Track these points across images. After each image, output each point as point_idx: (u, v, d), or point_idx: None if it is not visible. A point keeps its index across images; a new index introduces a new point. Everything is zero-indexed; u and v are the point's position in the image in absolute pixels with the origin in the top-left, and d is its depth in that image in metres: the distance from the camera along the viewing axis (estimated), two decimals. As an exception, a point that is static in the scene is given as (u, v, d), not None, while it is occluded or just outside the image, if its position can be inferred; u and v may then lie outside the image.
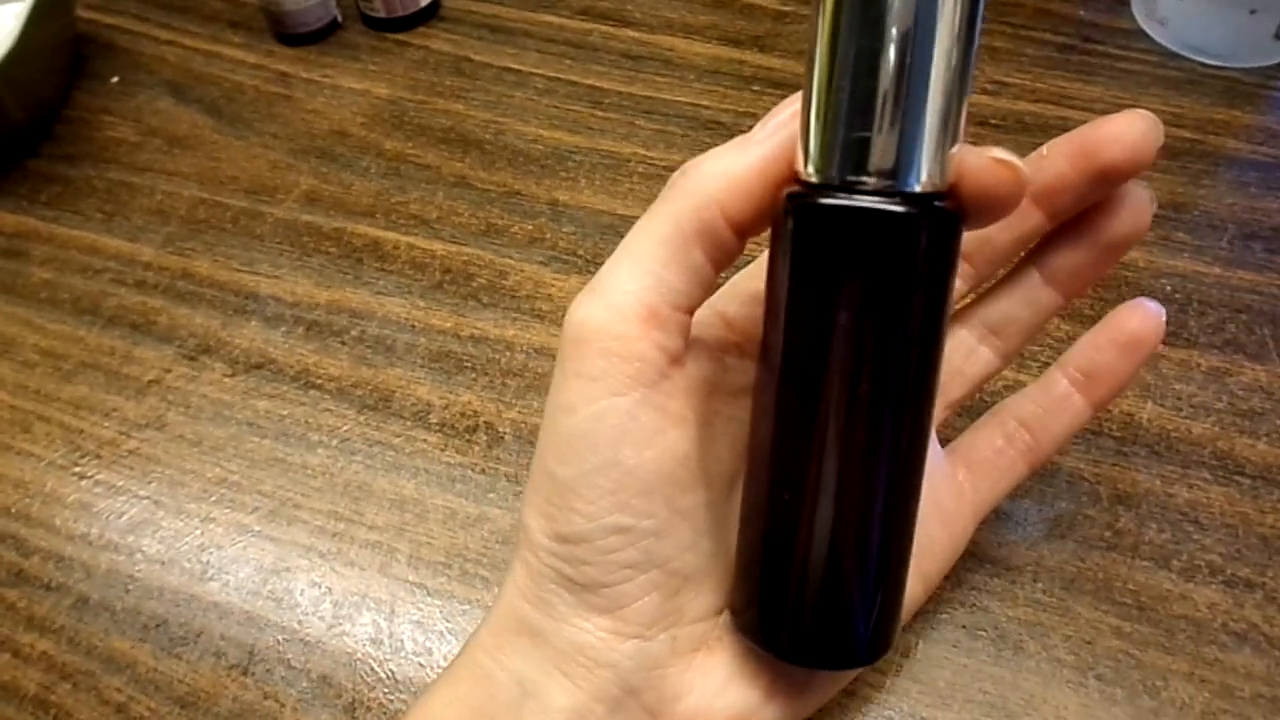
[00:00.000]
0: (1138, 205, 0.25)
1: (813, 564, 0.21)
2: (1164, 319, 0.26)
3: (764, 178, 0.21)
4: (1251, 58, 0.48)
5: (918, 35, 0.18)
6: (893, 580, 0.22)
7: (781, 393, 0.21)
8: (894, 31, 0.18)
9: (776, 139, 0.21)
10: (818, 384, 0.21)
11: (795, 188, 0.20)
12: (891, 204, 0.19)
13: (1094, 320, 0.39)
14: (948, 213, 0.20)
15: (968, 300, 0.28)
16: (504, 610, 0.24)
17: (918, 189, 0.19)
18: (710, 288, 0.23)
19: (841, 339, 0.20)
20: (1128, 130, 0.23)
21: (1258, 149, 0.45)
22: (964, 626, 0.32)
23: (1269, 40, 0.47)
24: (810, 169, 0.20)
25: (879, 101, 0.19)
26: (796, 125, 0.20)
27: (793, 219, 0.20)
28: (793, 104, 0.21)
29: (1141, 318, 0.26)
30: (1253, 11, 0.46)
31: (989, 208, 0.20)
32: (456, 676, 0.24)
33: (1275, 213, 0.42)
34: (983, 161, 0.20)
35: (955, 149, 0.20)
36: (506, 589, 0.24)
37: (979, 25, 0.19)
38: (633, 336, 0.21)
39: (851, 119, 0.19)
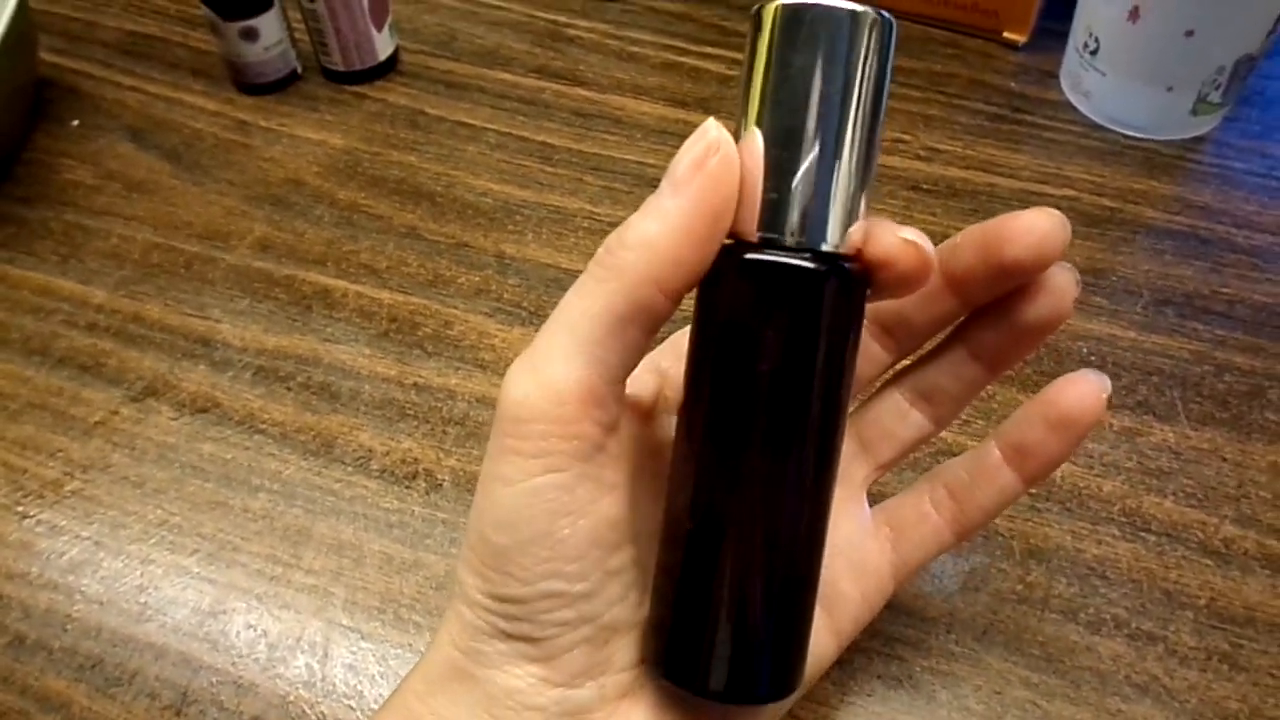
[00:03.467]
0: (1059, 290, 0.24)
1: (716, 601, 0.23)
2: (1105, 395, 0.25)
3: (690, 239, 0.21)
4: (1170, 131, 0.50)
5: (828, 117, 0.21)
6: (796, 620, 0.23)
7: (691, 436, 0.23)
8: (809, 114, 0.21)
9: (690, 194, 0.21)
10: (726, 426, 0.22)
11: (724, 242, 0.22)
12: (802, 259, 0.21)
13: (1014, 380, 0.41)
14: (852, 271, 0.22)
15: (903, 365, 0.28)
16: (437, 658, 0.25)
17: (825, 249, 0.21)
18: (643, 354, 0.23)
19: (750, 383, 0.22)
20: (1031, 228, 0.23)
21: (1174, 218, 0.47)
22: (879, 676, 0.33)
23: (1186, 115, 0.49)
24: (737, 227, 0.22)
25: (795, 172, 0.21)
26: (704, 171, 0.21)
27: (714, 272, 0.22)
28: (694, 149, 0.21)
29: (1078, 394, 0.25)
30: (1170, 89, 0.48)
31: (897, 282, 0.22)
32: None
33: (1188, 280, 0.45)
34: (893, 239, 0.22)
35: (860, 218, 0.22)
36: (440, 637, 0.25)
37: (883, 111, 0.22)
38: (573, 419, 0.22)
39: (771, 186, 0.21)
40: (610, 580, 0.24)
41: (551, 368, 0.22)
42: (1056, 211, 0.23)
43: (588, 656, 0.24)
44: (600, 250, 0.22)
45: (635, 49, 0.57)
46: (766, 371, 0.21)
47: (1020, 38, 0.56)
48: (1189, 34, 0.46)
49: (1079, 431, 0.25)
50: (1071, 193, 0.48)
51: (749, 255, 0.21)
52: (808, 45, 0.21)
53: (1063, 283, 0.24)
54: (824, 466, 0.23)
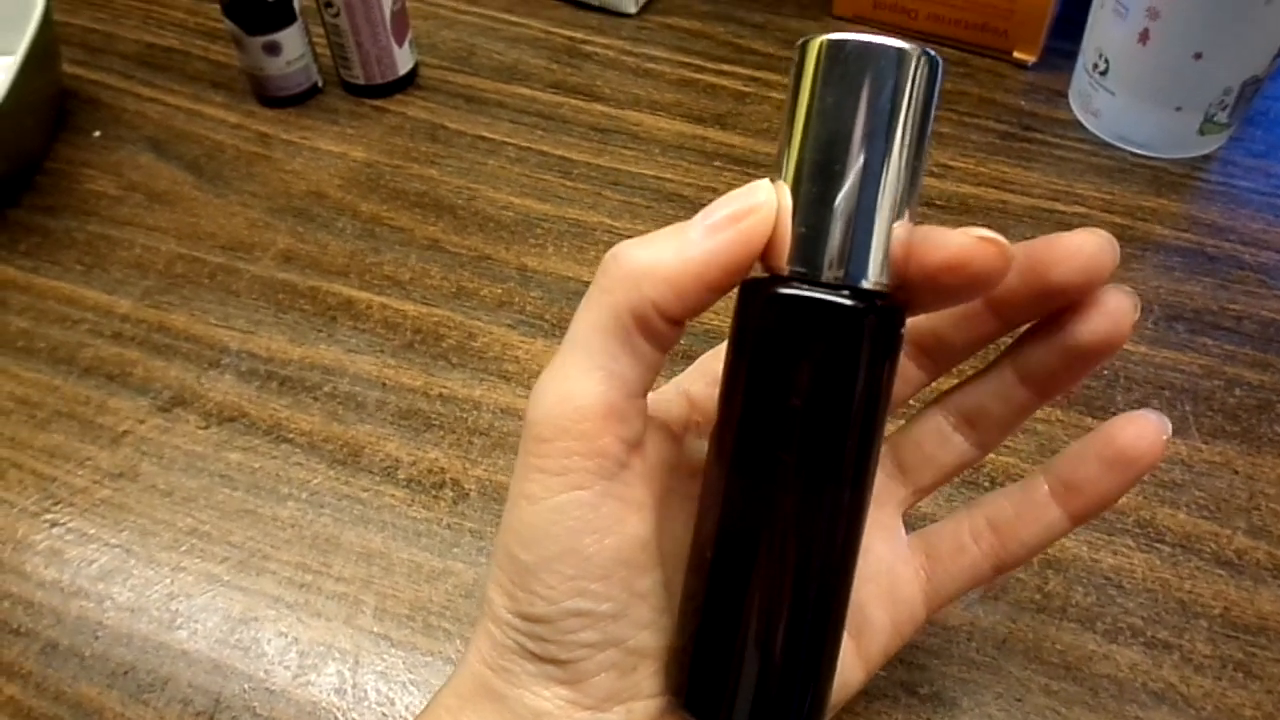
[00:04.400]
0: (1116, 313, 0.23)
1: (740, 633, 0.22)
2: (1166, 434, 0.23)
3: (699, 281, 0.21)
4: (1178, 150, 0.51)
5: (871, 154, 0.21)
6: (821, 655, 0.23)
7: (722, 467, 0.23)
8: (852, 150, 0.21)
9: (718, 241, 0.21)
10: (755, 459, 0.22)
11: (755, 274, 0.22)
12: (840, 296, 0.21)
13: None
14: (889, 308, 0.22)
15: (948, 386, 0.27)
16: (467, 674, 0.25)
17: (865, 285, 0.21)
18: (659, 368, 0.23)
19: (780, 418, 0.22)
20: (1079, 250, 0.22)
21: (1182, 235, 0.48)
22: (902, 684, 0.34)
23: (1193, 135, 0.50)
24: (777, 260, 0.22)
25: (836, 207, 0.21)
26: (739, 228, 0.21)
27: (750, 305, 0.22)
28: (737, 203, 0.21)
29: (1136, 432, 0.24)
30: (1178, 109, 0.49)
31: (972, 284, 0.21)
32: None
33: (1197, 295, 0.45)
34: (965, 239, 0.21)
35: (896, 250, 0.21)
36: (470, 654, 0.25)
37: (926, 150, 0.22)
38: (594, 434, 0.22)
39: (810, 220, 0.21)
40: (638, 602, 0.24)
41: (568, 384, 0.22)
42: (1104, 232, 0.22)
43: (615, 681, 0.24)
44: (607, 257, 0.22)
45: (652, 65, 0.57)
46: (798, 407, 0.21)
47: (1030, 57, 0.56)
48: (1198, 56, 0.47)
49: (1137, 471, 0.24)
50: (1082, 210, 0.49)
51: (782, 289, 0.21)
52: (851, 81, 0.20)
53: (1120, 305, 0.23)
54: (855, 504, 0.23)
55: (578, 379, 0.22)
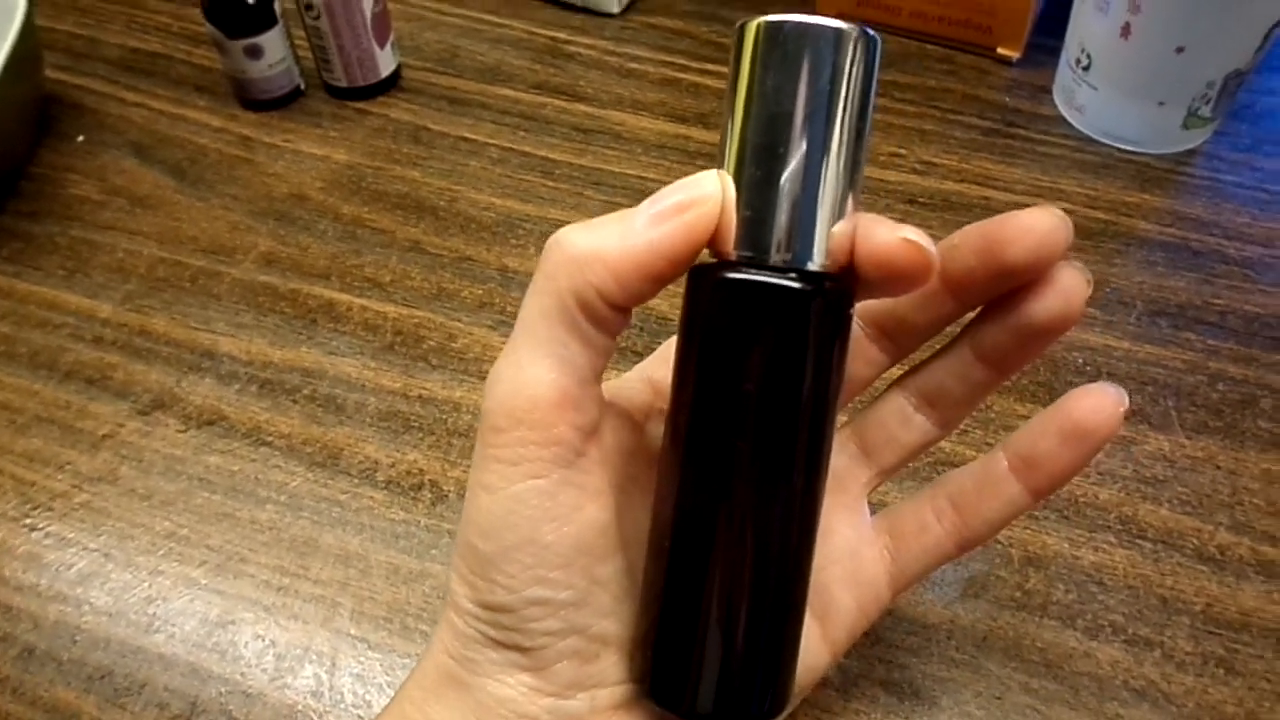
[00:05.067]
0: (1068, 290, 0.23)
1: (701, 621, 0.23)
2: (1123, 407, 0.24)
3: (641, 270, 0.21)
4: (1161, 145, 0.51)
5: (812, 135, 0.21)
6: (783, 638, 0.23)
7: (677, 455, 0.23)
8: (793, 131, 0.21)
9: (661, 231, 0.21)
10: (709, 445, 0.22)
11: (703, 259, 0.22)
12: (787, 279, 0.21)
13: (1011, 390, 0.41)
14: (837, 289, 0.22)
15: (908, 367, 0.27)
16: (431, 665, 0.25)
17: (812, 268, 0.21)
18: (610, 353, 0.23)
19: (733, 403, 0.22)
20: (1031, 228, 0.22)
21: (1165, 230, 0.48)
22: (881, 682, 0.34)
23: (1177, 130, 0.50)
24: (723, 244, 0.22)
25: (780, 190, 0.21)
26: (683, 218, 0.21)
27: (698, 290, 0.22)
28: (684, 192, 0.21)
29: (1093, 405, 0.24)
30: (1161, 103, 0.49)
31: (896, 281, 0.22)
32: None
33: (1181, 291, 0.45)
34: (891, 238, 0.21)
35: (842, 231, 0.21)
36: (433, 645, 0.25)
37: (868, 129, 0.22)
38: (549, 423, 0.22)
39: (755, 204, 0.21)
40: (599, 590, 0.24)
41: (520, 373, 0.22)
42: (1057, 209, 0.22)
43: (578, 668, 0.24)
44: (550, 243, 0.22)
45: (635, 65, 0.57)
46: (750, 392, 0.21)
47: (1014, 53, 0.56)
48: (1180, 50, 0.46)
49: (1093, 444, 0.24)
50: (1065, 205, 0.49)
51: (730, 274, 0.21)
52: (789, 62, 0.20)
53: (1072, 282, 0.23)
54: (810, 487, 0.23)
55: (529, 367, 0.22)
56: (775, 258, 0.21)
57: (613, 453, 0.24)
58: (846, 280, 0.22)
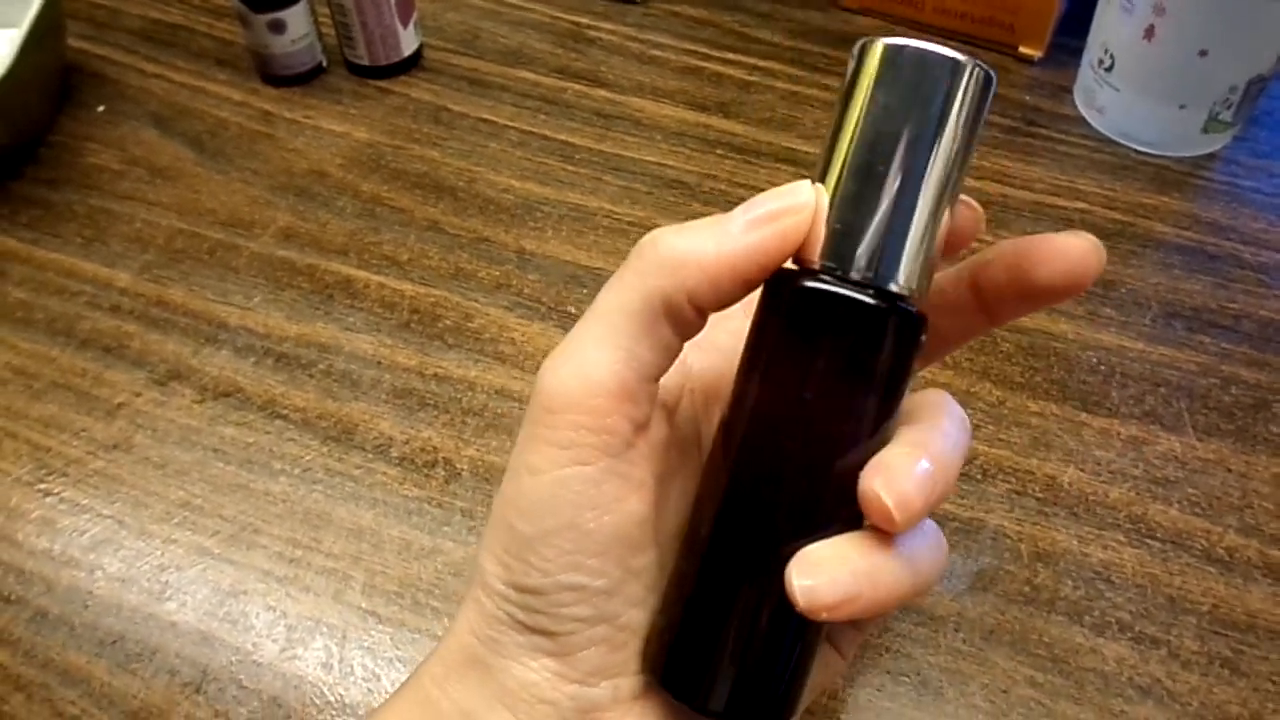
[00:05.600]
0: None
1: (727, 621, 0.23)
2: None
3: (735, 273, 0.21)
4: (1181, 148, 0.51)
5: (915, 160, 0.21)
6: (803, 650, 0.23)
7: (728, 448, 0.23)
8: (897, 153, 0.21)
9: (757, 236, 0.21)
10: (763, 446, 0.22)
11: (784, 267, 0.22)
12: (866, 295, 0.21)
13: (1024, 387, 0.42)
14: (914, 313, 0.22)
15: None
16: (454, 644, 0.25)
17: (893, 289, 0.21)
18: (675, 357, 0.24)
19: (792, 408, 0.22)
20: (1064, 253, 0.22)
21: (1183, 233, 0.48)
22: (888, 672, 0.34)
23: (1197, 133, 0.50)
24: (808, 254, 0.22)
25: (873, 209, 0.21)
26: (778, 225, 0.21)
27: (775, 296, 0.22)
28: (780, 200, 0.22)
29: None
30: (1182, 106, 0.49)
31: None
32: (403, 703, 0.25)
33: (1196, 293, 0.45)
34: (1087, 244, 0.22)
35: (932, 264, 0.22)
36: (458, 623, 0.25)
37: (969, 161, 0.22)
38: (605, 410, 0.22)
39: (846, 219, 0.21)
40: (631, 580, 0.24)
41: (585, 358, 0.22)
42: (1091, 236, 0.22)
43: (604, 656, 0.24)
44: (645, 240, 0.22)
45: (657, 52, 0.57)
46: (811, 400, 0.22)
47: (1035, 52, 0.56)
48: (1203, 54, 0.46)
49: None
50: (1083, 206, 0.49)
51: (809, 283, 0.21)
52: (905, 86, 0.21)
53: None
54: (855, 510, 0.22)
55: (595, 354, 0.22)
56: (857, 274, 0.21)
57: (657, 446, 0.24)
58: (922, 307, 0.22)
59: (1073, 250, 0.22)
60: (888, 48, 0.21)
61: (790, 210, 0.22)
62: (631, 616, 0.24)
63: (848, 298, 0.21)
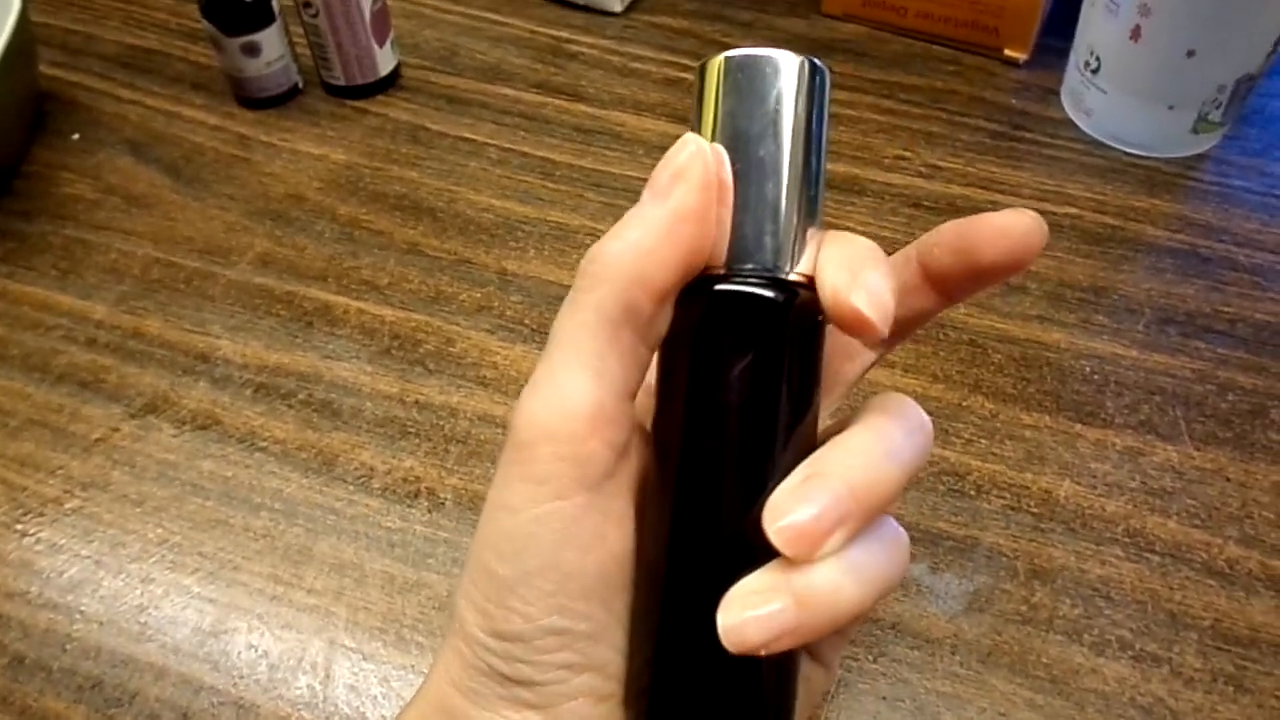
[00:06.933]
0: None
1: (696, 651, 0.22)
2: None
3: (673, 240, 0.21)
4: (1171, 149, 0.51)
5: (768, 158, 0.22)
6: (784, 674, 0.23)
7: (668, 475, 0.22)
8: (752, 156, 0.22)
9: (675, 200, 0.21)
10: (699, 461, 0.22)
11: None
12: (758, 288, 0.22)
13: (1017, 399, 0.41)
14: (807, 298, 0.22)
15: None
16: (432, 694, 0.24)
17: (783, 276, 0.22)
18: (645, 367, 0.23)
19: (722, 408, 0.22)
20: (1006, 232, 0.23)
21: (1175, 236, 0.47)
22: (884, 697, 0.33)
23: (1187, 134, 0.50)
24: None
25: (747, 205, 0.22)
26: (686, 180, 0.22)
27: (681, 308, 0.22)
28: (673, 161, 0.22)
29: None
30: (1171, 107, 0.48)
31: (847, 329, 0.22)
32: None
33: (1190, 298, 0.45)
34: (846, 304, 0.21)
35: (810, 246, 0.22)
36: (436, 673, 0.24)
37: (824, 147, 0.23)
38: (582, 437, 0.22)
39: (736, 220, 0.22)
40: (615, 624, 0.23)
41: (555, 385, 0.22)
42: (1032, 213, 0.22)
43: (588, 708, 0.23)
44: (583, 262, 0.22)
45: (637, 65, 0.57)
46: (732, 403, 0.22)
47: (1021, 55, 0.56)
48: (1190, 53, 0.46)
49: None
50: (1073, 210, 0.48)
51: (708, 287, 0.22)
52: (743, 89, 0.22)
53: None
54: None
55: (564, 381, 0.22)
56: (747, 268, 0.22)
57: (637, 475, 0.24)
58: (813, 288, 0.22)
59: (1016, 230, 0.23)
60: (724, 59, 0.23)
61: (686, 163, 0.21)
62: (616, 664, 0.23)
63: (740, 293, 0.22)
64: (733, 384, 0.22)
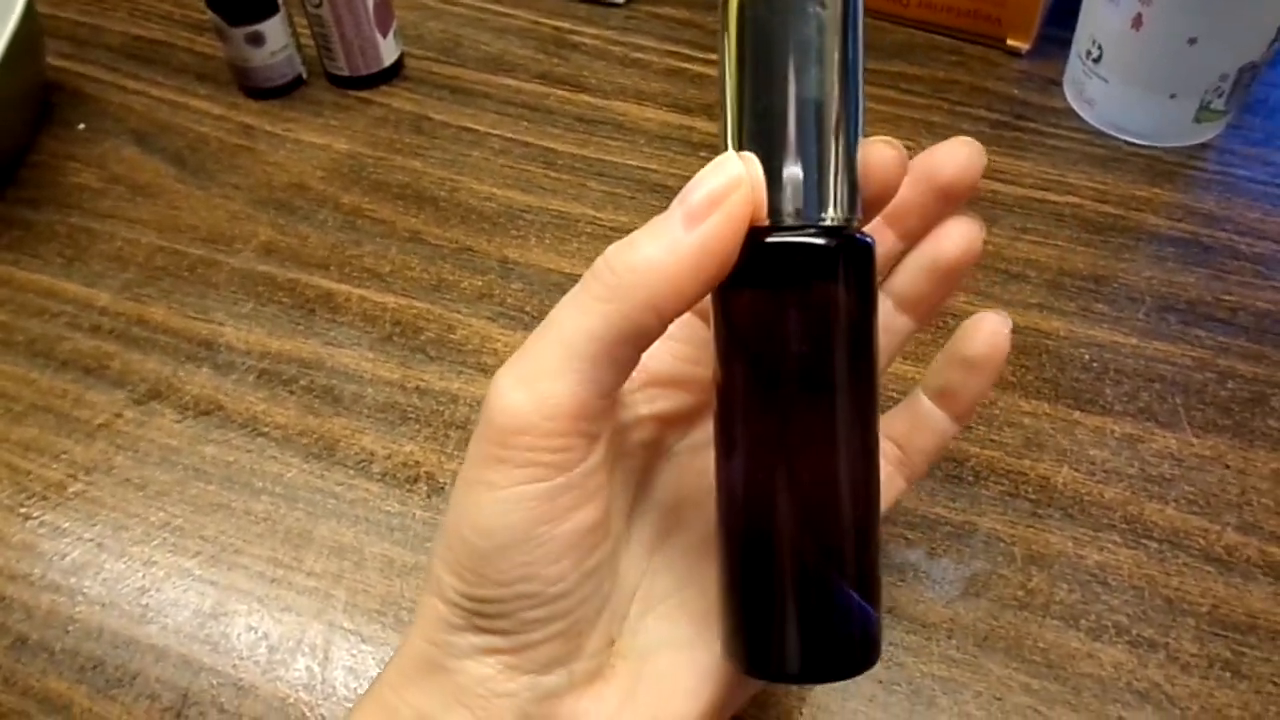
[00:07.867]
0: (965, 232, 0.26)
1: (782, 587, 0.23)
2: (1008, 329, 0.27)
3: (696, 275, 0.21)
4: (1173, 138, 0.50)
5: (805, 87, 0.21)
6: (867, 588, 0.23)
7: (732, 429, 0.23)
8: (791, 87, 0.21)
9: (702, 236, 0.21)
10: (769, 413, 0.23)
11: None
12: (809, 237, 0.22)
13: (1016, 386, 0.41)
14: (861, 239, 0.22)
15: None
16: (410, 651, 0.25)
17: (829, 222, 0.22)
18: (632, 369, 0.23)
19: (790, 358, 0.22)
20: (955, 153, 0.25)
21: (1176, 225, 0.47)
22: (880, 681, 0.33)
23: (1189, 123, 0.49)
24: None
25: (788, 150, 0.22)
26: (719, 220, 0.21)
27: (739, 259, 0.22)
28: (712, 182, 0.21)
29: (987, 337, 0.27)
30: (1173, 96, 0.48)
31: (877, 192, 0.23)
32: (363, 714, 0.25)
33: (1191, 286, 0.45)
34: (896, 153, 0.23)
35: (859, 180, 0.22)
36: (413, 631, 0.25)
37: (861, 72, 0.22)
38: (561, 431, 0.22)
39: (769, 168, 0.22)
40: (586, 580, 0.24)
41: (545, 382, 0.22)
42: (971, 139, 0.26)
43: (558, 648, 0.24)
44: (600, 264, 0.22)
45: (639, 55, 0.57)
46: (797, 352, 0.22)
47: (1023, 45, 0.56)
48: (1192, 41, 0.46)
49: (995, 367, 0.27)
50: (1075, 200, 0.48)
51: (758, 240, 0.22)
52: (773, 24, 0.21)
53: (969, 224, 0.26)
54: (869, 426, 0.23)
55: (556, 378, 0.22)
56: (797, 219, 0.22)
57: (609, 447, 0.24)
58: (864, 230, 0.23)
59: (960, 154, 0.25)
60: None
61: (727, 188, 0.21)
62: (588, 609, 0.24)
63: (795, 244, 0.22)
64: (793, 338, 0.22)
